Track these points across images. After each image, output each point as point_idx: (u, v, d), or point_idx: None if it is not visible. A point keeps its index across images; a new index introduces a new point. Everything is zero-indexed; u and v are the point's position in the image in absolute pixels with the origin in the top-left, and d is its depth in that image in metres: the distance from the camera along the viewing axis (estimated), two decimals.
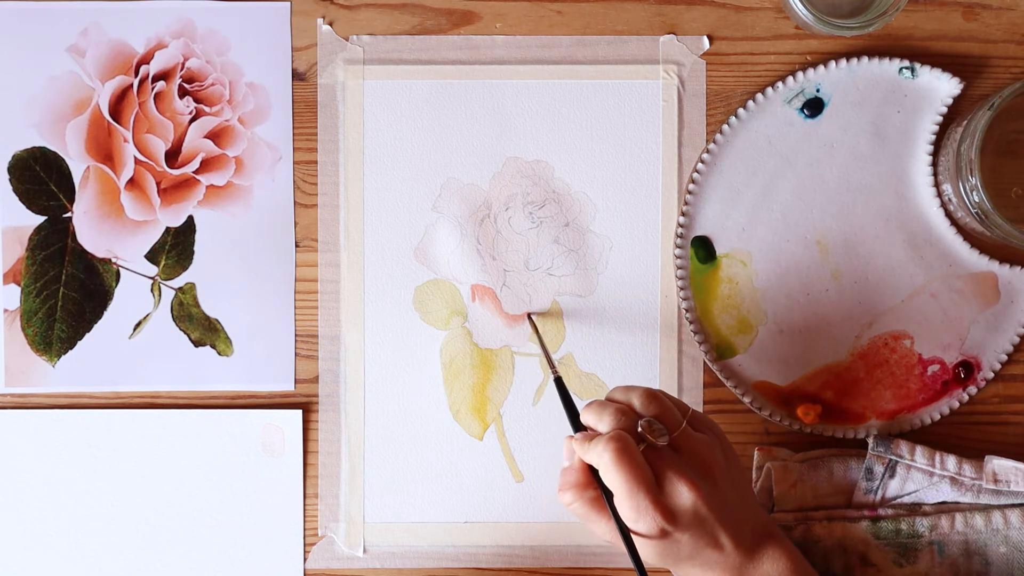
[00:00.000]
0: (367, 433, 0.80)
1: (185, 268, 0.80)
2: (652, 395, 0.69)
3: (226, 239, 0.80)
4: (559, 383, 0.73)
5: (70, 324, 0.80)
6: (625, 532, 0.66)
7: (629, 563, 0.81)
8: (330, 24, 0.80)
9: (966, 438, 0.81)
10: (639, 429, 0.67)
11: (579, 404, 0.72)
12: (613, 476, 0.65)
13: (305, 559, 0.80)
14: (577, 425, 0.71)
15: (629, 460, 0.65)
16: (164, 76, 0.80)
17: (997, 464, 0.76)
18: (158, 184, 0.80)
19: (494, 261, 0.81)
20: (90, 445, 0.80)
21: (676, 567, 0.68)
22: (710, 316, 0.80)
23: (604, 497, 0.67)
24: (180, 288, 0.80)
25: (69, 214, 0.80)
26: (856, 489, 0.77)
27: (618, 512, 0.66)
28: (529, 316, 0.80)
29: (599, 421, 0.68)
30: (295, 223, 0.81)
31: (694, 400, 0.80)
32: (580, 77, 0.80)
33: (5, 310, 0.80)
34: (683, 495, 0.66)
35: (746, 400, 0.80)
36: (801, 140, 0.80)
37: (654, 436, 0.67)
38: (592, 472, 0.68)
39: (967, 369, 0.80)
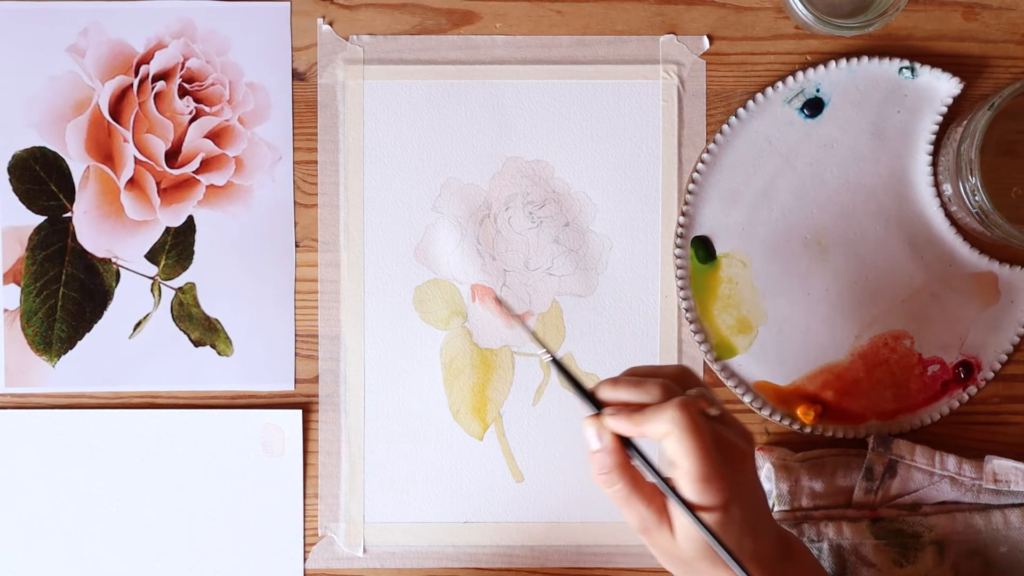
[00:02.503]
0: (367, 433, 0.80)
1: (185, 268, 0.80)
2: (686, 370, 0.67)
3: (226, 239, 0.80)
4: (558, 365, 0.67)
5: (70, 324, 0.80)
6: (684, 501, 0.62)
7: (629, 563, 0.81)
8: (330, 24, 0.80)
9: (966, 438, 0.81)
10: (700, 400, 0.64)
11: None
12: (687, 443, 0.61)
13: (305, 559, 0.80)
14: (595, 405, 0.65)
15: (702, 426, 0.62)
16: (164, 76, 0.80)
17: (997, 464, 0.76)
18: (158, 184, 0.80)
19: (494, 261, 0.81)
20: (90, 445, 0.80)
21: (711, 563, 0.65)
22: (710, 316, 0.80)
23: (654, 473, 0.63)
24: (180, 288, 0.80)
25: (69, 214, 0.80)
26: (856, 489, 0.77)
27: (675, 488, 0.63)
28: (496, 300, 0.78)
29: (644, 393, 0.64)
30: (295, 223, 0.81)
31: None
32: (580, 77, 0.80)
33: (5, 310, 0.80)
34: (741, 464, 0.64)
35: (746, 400, 0.80)
36: (801, 140, 0.80)
37: (709, 405, 0.64)
38: (627, 448, 0.64)
39: (967, 369, 0.80)
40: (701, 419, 0.62)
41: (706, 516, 0.62)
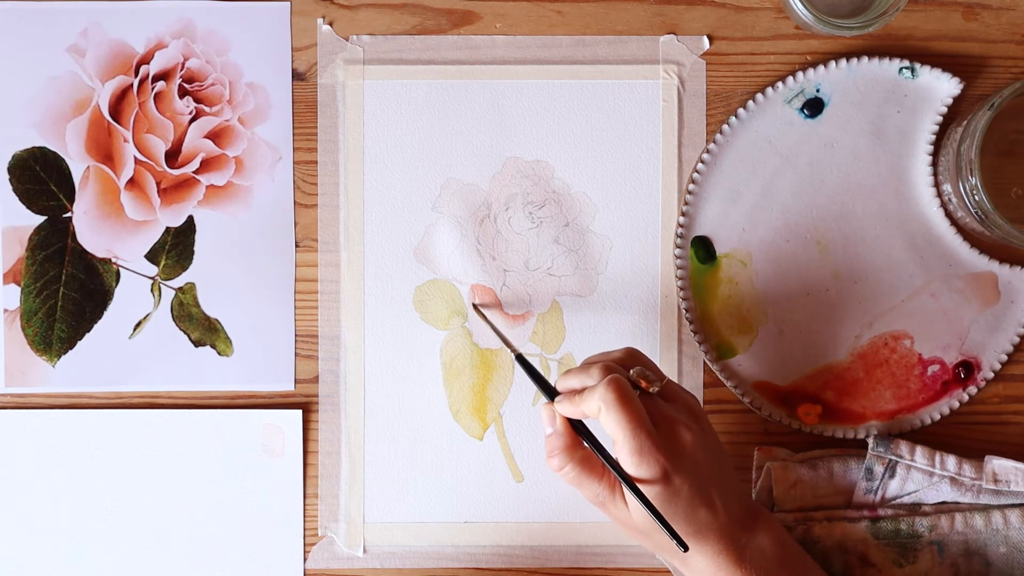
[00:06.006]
0: (367, 433, 0.80)
1: (185, 268, 0.80)
2: (633, 352, 0.71)
3: (226, 239, 0.80)
4: (521, 360, 0.74)
5: (70, 324, 0.80)
6: (625, 476, 0.66)
7: (629, 563, 0.81)
8: (330, 24, 0.80)
9: (966, 438, 0.81)
10: (631, 376, 0.68)
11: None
12: (615, 418, 0.65)
13: (305, 559, 0.80)
14: (551, 393, 0.71)
15: (630, 401, 0.65)
16: (164, 76, 0.80)
17: (997, 464, 0.76)
18: (158, 184, 0.80)
19: (494, 261, 0.81)
20: (90, 445, 0.80)
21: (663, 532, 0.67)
22: (710, 316, 0.80)
23: (597, 451, 0.68)
24: (180, 288, 0.80)
25: (69, 214, 0.80)
26: (856, 489, 0.77)
27: (616, 461, 0.66)
28: (475, 306, 0.80)
29: (587, 377, 0.68)
30: (295, 223, 0.81)
31: None
32: (580, 77, 0.80)
33: (5, 310, 0.80)
34: (679, 436, 0.66)
35: (746, 400, 0.80)
36: (801, 140, 0.80)
37: (647, 383, 0.68)
38: (578, 431, 0.69)
39: (967, 369, 0.80)
40: (630, 395, 0.66)
41: (648, 489, 0.65)
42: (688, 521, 0.66)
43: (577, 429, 0.69)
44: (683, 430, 0.67)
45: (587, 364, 0.70)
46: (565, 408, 0.69)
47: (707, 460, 0.67)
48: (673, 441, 0.66)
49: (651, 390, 0.68)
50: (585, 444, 0.69)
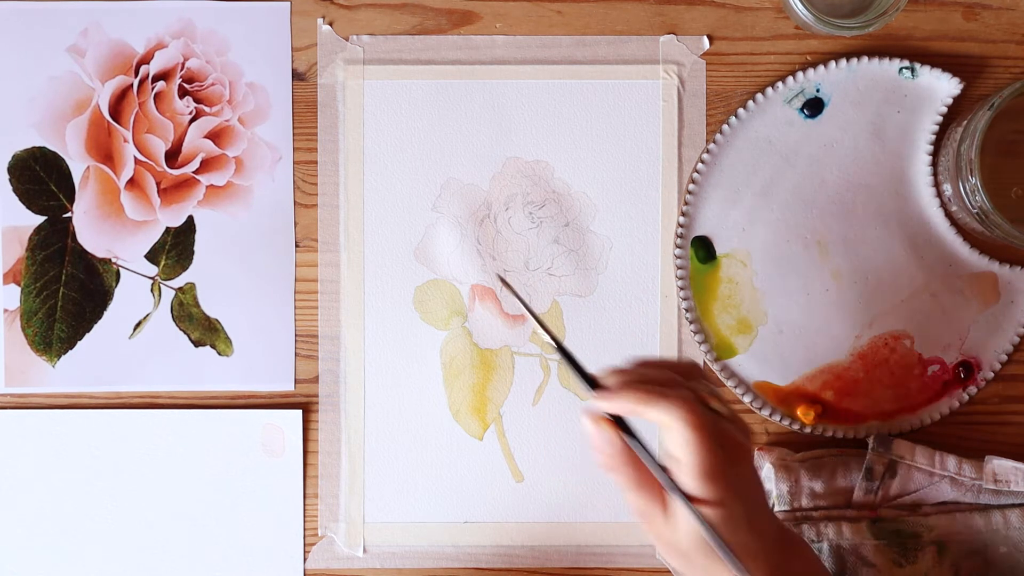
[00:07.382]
0: (367, 433, 0.80)
1: (185, 268, 0.80)
2: (698, 366, 0.69)
3: (226, 239, 0.80)
4: (560, 349, 0.66)
5: (70, 324, 0.80)
6: (684, 495, 0.63)
7: (629, 563, 0.81)
8: (330, 24, 0.80)
9: (966, 438, 0.81)
10: (703, 393, 0.64)
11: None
12: (690, 438, 0.62)
13: (305, 559, 0.80)
14: (593, 384, 0.65)
15: (706, 426, 0.62)
16: (164, 76, 0.80)
17: (997, 464, 0.76)
18: (158, 184, 0.80)
19: (494, 261, 0.81)
20: (90, 445, 0.80)
21: (707, 557, 0.66)
22: (710, 316, 0.80)
23: (650, 462, 0.64)
24: (180, 288, 0.80)
25: (69, 214, 0.80)
26: (856, 489, 0.77)
27: (670, 475, 0.63)
28: (504, 281, 0.75)
29: (648, 376, 0.64)
30: (295, 223, 0.81)
31: None
32: (580, 77, 0.80)
33: (5, 310, 0.80)
34: (741, 459, 0.64)
35: (746, 400, 0.80)
36: (801, 140, 0.80)
37: (718, 403, 0.65)
38: (623, 429, 0.64)
39: (967, 369, 0.80)
40: (706, 414, 0.63)
41: (705, 510, 0.63)
42: (738, 546, 0.65)
43: (628, 436, 0.65)
44: (745, 454, 0.65)
45: (645, 364, 0.66)
46: (624, 404, 0.64)
47: (756, 483, 0.66)
48: (735, 464, 0.64)
49: (720, 411, 0.65)
50: (633, 450, 0.65)
